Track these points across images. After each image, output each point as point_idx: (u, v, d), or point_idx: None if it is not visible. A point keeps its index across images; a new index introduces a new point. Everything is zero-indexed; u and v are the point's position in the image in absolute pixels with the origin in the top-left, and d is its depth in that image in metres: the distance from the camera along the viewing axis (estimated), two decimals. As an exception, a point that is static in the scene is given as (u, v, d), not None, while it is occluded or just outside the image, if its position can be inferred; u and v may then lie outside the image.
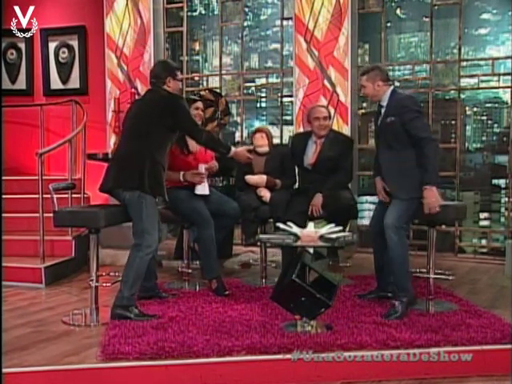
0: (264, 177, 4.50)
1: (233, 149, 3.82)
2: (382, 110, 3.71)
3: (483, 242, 5.65)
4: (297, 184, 4.63)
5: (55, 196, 3.60)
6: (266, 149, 4.57)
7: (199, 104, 4.27)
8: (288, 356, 2.83)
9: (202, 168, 4.16)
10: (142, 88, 5.94)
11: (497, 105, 5.96)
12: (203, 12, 6.52)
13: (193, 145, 4.14)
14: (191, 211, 4.10)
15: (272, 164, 4.53)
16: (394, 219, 3.53)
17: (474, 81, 5.51)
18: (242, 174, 4.54)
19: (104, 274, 3.78)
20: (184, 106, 3.65)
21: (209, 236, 4.07)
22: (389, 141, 3.64)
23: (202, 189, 4.16)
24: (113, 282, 3.68)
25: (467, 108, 5.89)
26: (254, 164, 4.45)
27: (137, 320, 3.39)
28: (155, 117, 3.55)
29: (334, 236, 3.39)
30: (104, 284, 3.68)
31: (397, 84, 5.78)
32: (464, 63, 5.51)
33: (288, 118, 5.96)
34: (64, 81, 6.49)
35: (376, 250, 3.87)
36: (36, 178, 4.70)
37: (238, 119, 6.23)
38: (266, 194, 4.44)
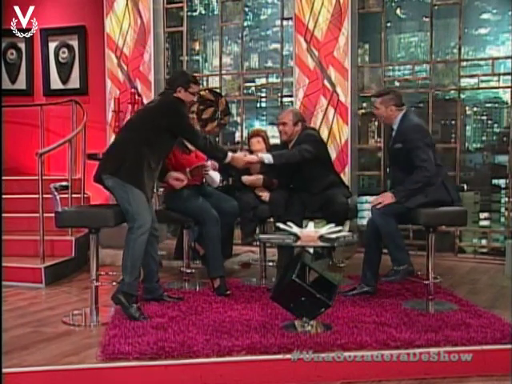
0: (261, 177, 4.50)
1: (229, 154, 3.87)
2: (393, 134, 3.88)
3: (483, 242, 5.65)
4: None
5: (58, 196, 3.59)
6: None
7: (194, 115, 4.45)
8: (288, 356, 2.83)
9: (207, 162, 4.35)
10: (141, 88, 5.94)
11: (497, 105, 5.95)
12: (203, 12, 6.51)
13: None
14: (199, 210, 4.14)
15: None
16: (382, 209, 3.71)
17: (474, 81, 5.51)
18: (240, 175, 4.53)
19: (104, 273, 3.78)
20: (184, 111, 3.76)
21: (216, 234, 4.10)
22: (400, 164, 3.83)
23: (212, 179, 4.38)
24: (117, 281, 3.67)
25: (467, 108, 5.87)
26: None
27: (130, 317, 3.39)
28: (154, 115, 3.67)
29: (333, 236, 3.39)
30: (104, 284, 3.68)
31: (397, 84, 5.79)
32: (464, 63, 5.51)
33: (288, 118, 5.95)
34: (64, 81, 6.49)
35: (367, 244, 3.94)
36: (36, 178, 4.70)
37: (238, 119, 6.22)
38: (264, 194, 4.45)
